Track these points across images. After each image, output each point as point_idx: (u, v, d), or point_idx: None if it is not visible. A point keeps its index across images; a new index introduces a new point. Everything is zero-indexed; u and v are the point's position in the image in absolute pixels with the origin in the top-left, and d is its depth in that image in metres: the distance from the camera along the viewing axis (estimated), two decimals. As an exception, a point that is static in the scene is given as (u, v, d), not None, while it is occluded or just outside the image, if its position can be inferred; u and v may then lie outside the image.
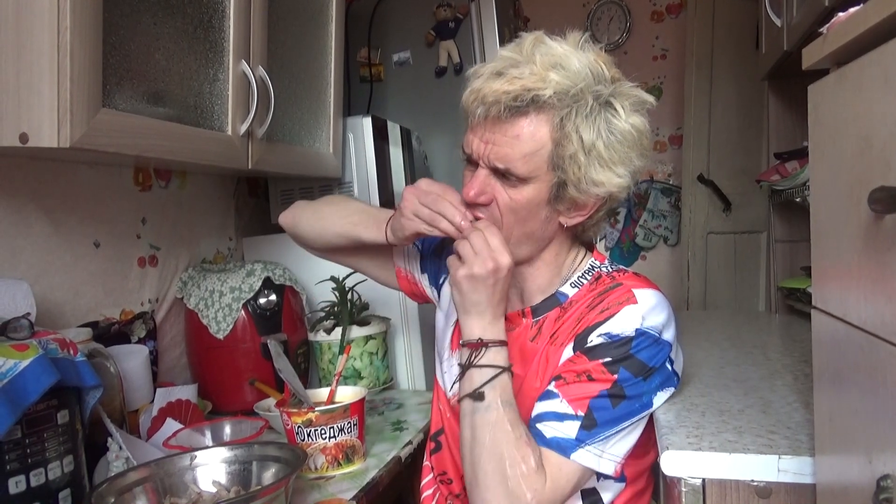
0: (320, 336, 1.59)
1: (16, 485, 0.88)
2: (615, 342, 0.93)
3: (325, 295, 1.63)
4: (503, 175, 0.94)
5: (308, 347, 1.64)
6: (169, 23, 1.16)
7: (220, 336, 1.50)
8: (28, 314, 1.03)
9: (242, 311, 1.51)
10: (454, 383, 1.04)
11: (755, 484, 0.80)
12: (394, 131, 1.91)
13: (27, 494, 0.89)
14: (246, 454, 1.05)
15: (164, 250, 1.57)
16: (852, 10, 0.60)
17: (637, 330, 0.93)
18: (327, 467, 1.16)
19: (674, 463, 0.83)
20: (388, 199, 1.82)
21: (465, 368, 0.97)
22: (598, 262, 1.05)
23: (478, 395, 0.94)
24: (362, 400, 1.20)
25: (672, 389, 0.98)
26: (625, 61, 3.51)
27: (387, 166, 1.84)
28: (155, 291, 1.54)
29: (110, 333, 1.38)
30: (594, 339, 0.94)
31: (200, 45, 1.24)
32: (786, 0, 1.47)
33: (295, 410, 1.15)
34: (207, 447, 1.09)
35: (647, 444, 1.00)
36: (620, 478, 0.98)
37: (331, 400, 1.24)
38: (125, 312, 1.45)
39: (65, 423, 0.95)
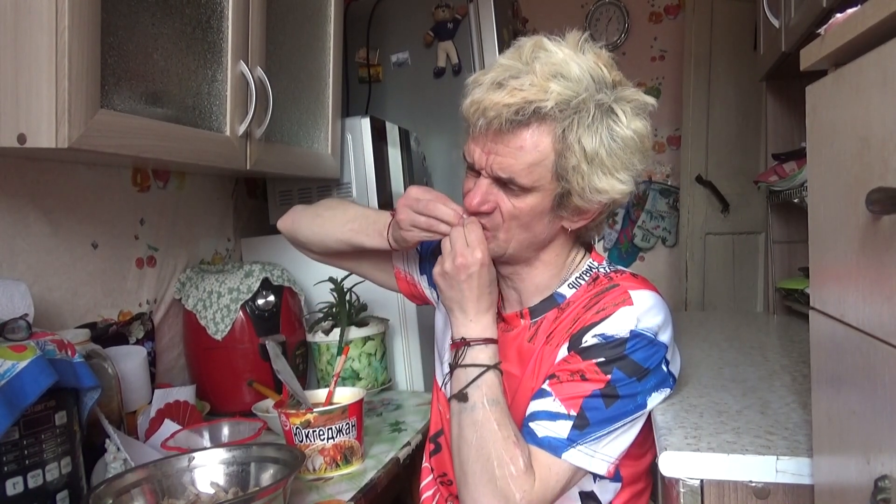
0: (318, 337, 1.59)
1: (13, 486, 0.88)
2: (609, 343, 0.93)
3: (323, 296, 1.63)
4: (506, 184, 0.94)
5: (306, 348, 1.64)
6: (167, 23, 1.16)
7: (219, 337, 1.50)
8: (26, 315, 1.02)
9: (241, 312, 1.51)
10: (444, 383, 1.04)
11: (753, 485, 0.81)
12: (392, 132, 1.91)
13: (25, 496, 0.89)
14: (244, 455, 1.05)
15: (162, 251, 1.57)
16: (850, 11, 0.60)
17: (632, 331, 0.93)
18: (325, 468, 1.16)
19: (672, 464, 0.83)
20: (386, 200, 1.82)
21: (451, 369, 0.98)
22: (595, 263, 1.05)
23: (461, 396, 0.95)
24: (360, 401, 1.20)
25: (668, 391, 0.98)
26: (623, 62, 3.49)
27: (385, 167, 1.84)
28: (153, 292, 1.53)
29: (108, 334, 1.38)
30: (589, 340, 0.94)
31: (199, 45, 1.24)
32: (784, 1, 1.47)
33: (293, 411, 1.15)
34: (205, 448, 1.09)
35: (645, 445, 1.00)
36: (617, 478, 0.98)
37: (329, 401, 1.24)
38: (123, 313, 1.44)
39: (62, 424, 0.95)
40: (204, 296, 1.52)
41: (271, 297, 1.54)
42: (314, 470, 1.15)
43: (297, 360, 1.59)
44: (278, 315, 1.55)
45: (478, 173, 0.97)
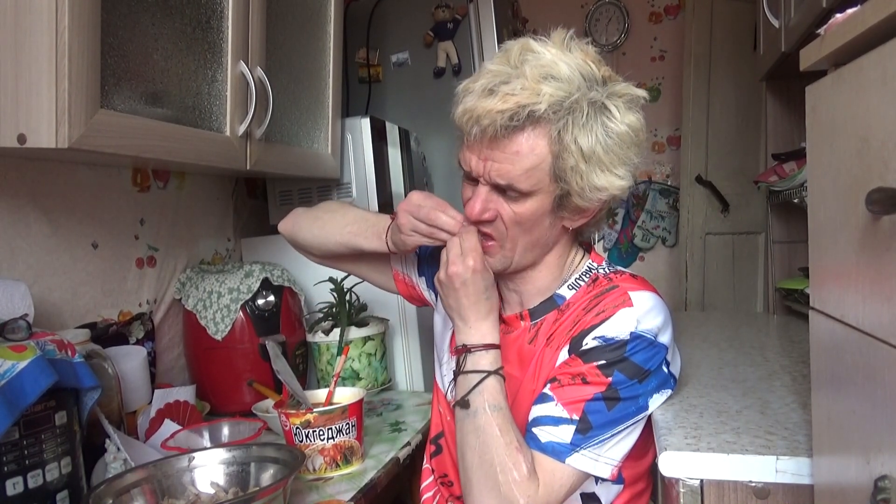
0: (318, 337, 1.59)
1: (13, 486, 0.88)
2: (610, 345, 0.93)
3: (323, 296, 1.63)
4: (505, 191, 0.94)
5: (306, 348, 1.64)
6: (167, 24, 1.16)
7: (219, 337, 1.50)
8: (26, 315, 1.02)
9: (241, 312, 1.51)
10: (449, 385, 1.04)
11: (753, 485, 0.81)
12: (392, 132, 1.91)
13: (25, 496, 0.89)
14: (244, 455, 1.05)
15: (162, 251, 1.57)
16: (850, 11, 0.60)
17: (632, 333, 0.93)
18: (325, 468, 1.16)
19: (672, 464, 0.83)
20: (386, 200, 1.82)
21: (455, 375, 0.98)
22: (595, 264, 1.05)
23: (464, 403, 0.95)
24: (360, 401, 1.20)
25: (669, 392, 0.98)
26: (623, 62, 3.52)
27: (385, 167, 1.84)
28: (153, 292, 1.53)
29: (108, 334, 1.38)
30: (589, 342, 0.94)
31: (199, 45, 1.24)
32: (784, 1, 1.47)
33: (293, 411, 1.15)
34: (205, 448, 1.09)
35: (646, 446, 1.00)
36: (619, 480, 0.98)
37: (329, 401, 1.24)
38: (123, 313, 1.44)
39: (62, 424, 0.95)
40: (204, 296, 1.52)
41: (271, 297, 1.54)
42: (314, 470, 1.15)
43: (297, 360, 1.59)
44: (278, 315, 1.55)
45: (475, 181, 0.97)
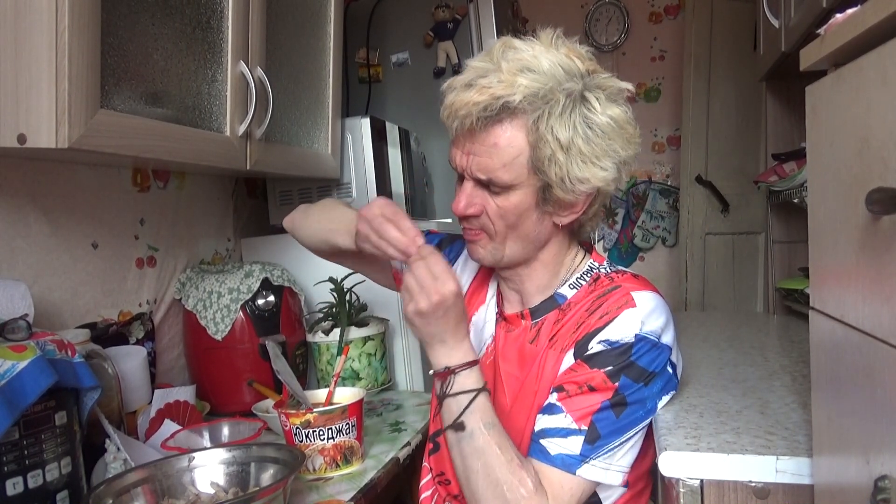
0: (318, 337, 1.59)
1: (13, 486, 0.88)
2: (615, 349, 0.93)
3: (323, 296, 1.63)
4: (488, 185, 0.94)
5: (306, 348, 1.64)
6: (167, 23, 1.16)
7: (219, 337, 1.50)
8: (26, 315, 1.02)
9: (241, 312, 1.51)
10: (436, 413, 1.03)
11: (753, 485, 0.81)
12: (392, 132, 1.91)
13: (25, 496, 0.89)
14: (244, 455, 1.05)
15: (162, 251, 1.57)
16: (850, 11, 0.60)
17: (636, 335, 0.93)
18: (325, 468, 1.16)
19: (672, 464, 0.83)
20: (386, 199, 1.82)
21: (440, 400, 0.96)
22: (596, 264, 1.05)
23: (458, 426, 0.93)
24: (360, 401, 1.20)
25: (673, 392, 0.98)
26: (623, 62, 3.52)
27: (385, 167, 1.84)
28: (153, 292, 1.53)
29: (108, 334, 1.38)
30: (594, 347, 0.94)
31: (199, 45, 1.24)
32: (784, 1, 1.47)
33: (293, 412, 1.15)
34: (205, 448, 1.09)
35: (646, 446, 1.00)
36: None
37: (329, 401, 1.24)
38: (123, 313, 1.44)
39: (62, 424, 0.95)
40: (204, 296, 1.52)
41: (271, 297, 1.54)
42: (314, 470, 1.15)
43: (297, 360, 1.59)
44: (278, 315, 1.55)
45: (464, 179, 0.98)
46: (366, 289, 1.56)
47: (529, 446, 0.95)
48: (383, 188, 1.81)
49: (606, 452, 0.91)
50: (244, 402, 1.49)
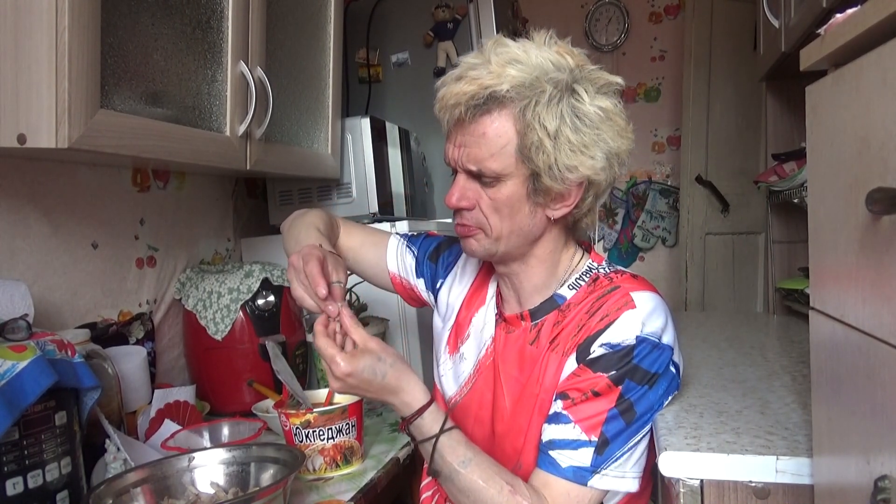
0: (319, 337, 1.59)
1: (13, 486, 0.88)
2: (617, 352, 0.93)
3: (323, 296, 1.63)
4: (479, 177, 0.95)
5: (306, 349, 1.64)
6: (167, 23, 1.16)
7: (219, 337, 1.50)
8: (26, 315, 1.02)
9: (241, 312, 1.50)
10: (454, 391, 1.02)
11: (753, 485, 0.80)
12: (392, 132, 1.91)
13: (25, 496, 0.89)
14: (244, 455, 1.05)
15: (162, 251, 1.57)
16: (850, 11, 0.60)
17: (637, 337, 0.93)
18: (325, 468, 1.16)
19: (672, 464, 0.83)
20: (386, 200, 1.82)
21: (414, 448, 0.98)
22: (595, 264, 1.05)
23: (433, 472, 0.95)
24: (360, 401, 1.20)
25: (675, 392, 0.98)
26: (623, 62, 3.52)
27: (385, 167, 1.84)
28: (153, 292, 1.53)
29: (108, 334, 1.38)
30: (596, 350, 0.94)
31: (199, 45, 1.24)
32: (784, 1, 1.47)
33: (293, 412, 1.15)
34: (205, 448, 1.09)
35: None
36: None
37: (329, 401, 1.24)
38: (123, 313, 1.44)
39: (62, 424, 0.95)
40: (204, 296, 1.52)
41: (271, 298, 1.54)
42: (314, 470, 1.15)
43: (297, 360, 1.59)
44: (278, 315, 1.55)
45: (456, 172, 0.98)
46: (366, 289, 1.56)
47: (538, 457, 0.95)
48: (383, 188, 1.81)
49: (616, 460, 0.91)
50: (244, 402, 1.49)
